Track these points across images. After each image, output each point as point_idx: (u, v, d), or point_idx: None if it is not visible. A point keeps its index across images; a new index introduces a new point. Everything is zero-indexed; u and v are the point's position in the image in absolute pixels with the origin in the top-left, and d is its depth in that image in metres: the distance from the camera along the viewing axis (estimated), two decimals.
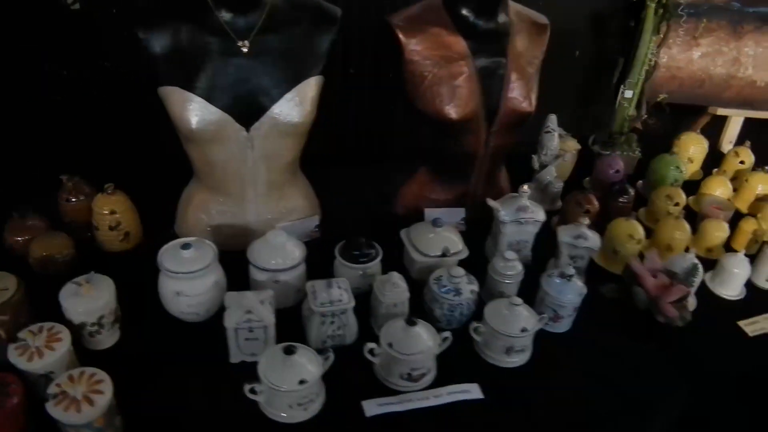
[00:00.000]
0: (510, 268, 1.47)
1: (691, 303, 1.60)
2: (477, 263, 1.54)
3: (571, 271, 1.42)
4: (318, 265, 1.49)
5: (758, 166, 2.07)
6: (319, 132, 1.65)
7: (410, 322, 1.28)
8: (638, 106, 2.03)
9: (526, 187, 1.56)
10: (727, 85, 2.23)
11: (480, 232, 1.71)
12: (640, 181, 2.04)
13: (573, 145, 1.96)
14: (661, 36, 1.90)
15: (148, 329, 1.38)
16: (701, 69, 2.20)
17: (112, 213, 1.53)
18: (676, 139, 2.11)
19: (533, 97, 1.62)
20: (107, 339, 1.33)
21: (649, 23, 1.88)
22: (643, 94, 2.01)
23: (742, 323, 1.60)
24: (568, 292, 1.42)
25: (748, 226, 1.83)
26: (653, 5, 1.90)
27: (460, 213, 1.71)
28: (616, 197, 1.78)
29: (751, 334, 1.58)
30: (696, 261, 1.51)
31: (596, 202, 1.72)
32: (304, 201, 1.67)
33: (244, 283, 1.43)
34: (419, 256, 1.51)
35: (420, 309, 1.45)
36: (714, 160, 2.23)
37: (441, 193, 1.72)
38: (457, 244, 1.53)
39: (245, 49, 1.40)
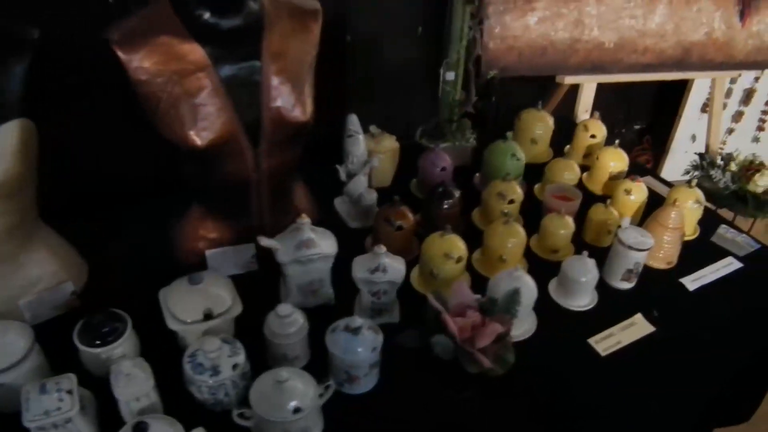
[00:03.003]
0: (287, 326, 1.17)
1: (530, 325, 1.34)
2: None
3: (358, 322, 1.14)
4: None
5: (612, 138, 1.82)
6: (83, 173, 1.34)
7: (139, 430, 0.98)
8: (466, 88, 1.74)
9: (305, 216, 1.26)
10: (573, 50, 1.97)
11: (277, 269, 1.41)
12: (477, 174, 1.76)
13: (390, 144, 1.66)
14: (476, 4, 1.61)
15: None
16: (541, 35, 1.93)
17: None
18: (516, 119, 1.84)
19: (308, 101, 1.31)
20: None
21: None
22: (470, 74, 1.72)
23: (593, 341, 1.35)
24: (358, 348, 1.13)
25: (597, 214, 1.58)
26: None
27: (249, 250, 1.41)
28: (440, 202, 1.50)
29: (603, 353, 1.32)
30: (518, 284, 1.23)
31: (410, 215, 1.44)
32: (54, 266, 1.36)
33: None
34: (177, 324, 1.20)
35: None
36: (570, 135, 1.97)
37: (222, 231, 1.41)
38: (224, 301, 1.23)
39: None
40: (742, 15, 2.06)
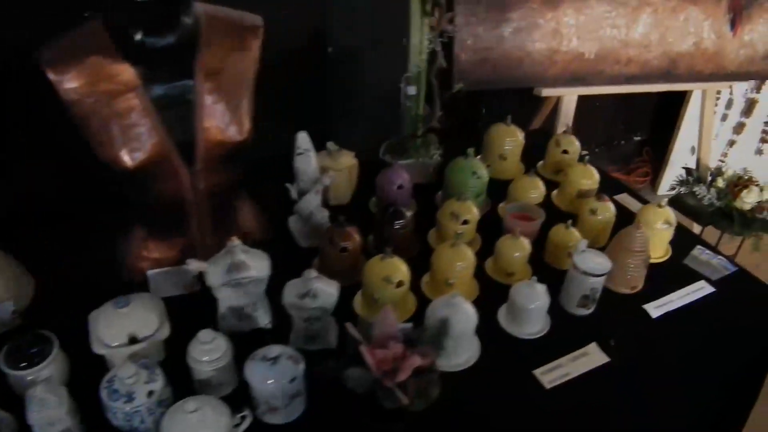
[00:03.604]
0: (209, 352, 1.15)
1: (472, 354, 1.30)
2: None
3: (275, 352, 1.11)
4: None
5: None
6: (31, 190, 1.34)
7: None
8: (430, 102, 1.69)
9: (235, 239, 1.24)
10: (551, 61, 1.91)
11: None
12: (439, 193, 1.71)
13: (347, 161, 1.63)
14: (436, 17, 1.56)
15: None
16: (516, 47, 1.87)
17: None
18: (485, 134, 1.78)
19: (245, 120, 1.29)
20: None
21: (415, 3, 1.54)
22: (433, 88, 1.67)
23: (538, 372, 1.29)
24: (275, 378, 1.10)
25: (557, 235, 1.52)
26: None
27: (190, 271, 1.38)
28: (390, 223, 1.46)
29: (548, 386, 1.27)
30: (453, 312, 1.19)
31: (356, 236, 1.41)
32: None
33: None
34: (102, 348, 1.19)
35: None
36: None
37: (162, 251, 1.40)
38: (152, 324, 1.21)
39: None
40: (733, 24, 1.98)
